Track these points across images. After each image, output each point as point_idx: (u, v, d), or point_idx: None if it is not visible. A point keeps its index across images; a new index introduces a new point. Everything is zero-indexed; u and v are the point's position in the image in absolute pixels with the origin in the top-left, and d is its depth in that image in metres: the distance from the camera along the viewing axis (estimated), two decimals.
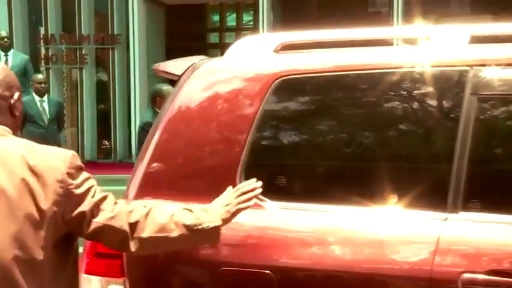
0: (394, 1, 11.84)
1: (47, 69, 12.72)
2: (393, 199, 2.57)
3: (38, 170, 2.24)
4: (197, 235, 2.41)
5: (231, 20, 14.52)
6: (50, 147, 2.51)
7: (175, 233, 2.39)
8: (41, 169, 2.24)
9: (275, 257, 2.56)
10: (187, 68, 2.89)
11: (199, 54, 3.01)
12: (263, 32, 11.47)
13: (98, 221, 2.30)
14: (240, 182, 2.66)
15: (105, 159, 13.28)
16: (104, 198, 2.36)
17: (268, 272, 2.54)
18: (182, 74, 2.89)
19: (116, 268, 2.65)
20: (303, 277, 2.57)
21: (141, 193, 2.75)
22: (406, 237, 2.52)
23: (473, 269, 2.39)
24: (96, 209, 2.31)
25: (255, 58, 2.89)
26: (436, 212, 2.51)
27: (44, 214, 2.19)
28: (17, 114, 2.44)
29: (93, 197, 2.32)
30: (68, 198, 2.25)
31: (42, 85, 9.64)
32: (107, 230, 2.32)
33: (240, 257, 2.59)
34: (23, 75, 10.34)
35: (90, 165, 11.29)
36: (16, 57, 10.48)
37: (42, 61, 12.92)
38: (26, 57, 10.91)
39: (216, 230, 2.41)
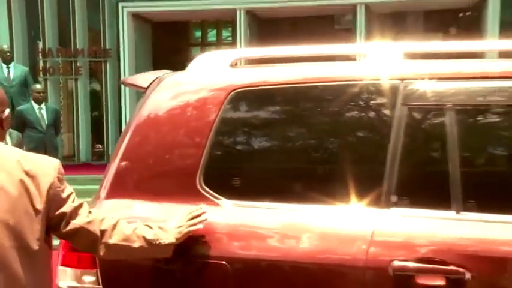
0: (357, 20, 11.93)
1: (45, 79, 12.67)
2: (334, 197, 2.62)
3: (32, 174, 2.39)
4: (154, 248, 2.56)
5: (211, 35, 14.50)
6: (39, 155, 2.67)
7: (136, 244, 2.54)
8: (35, 173, 2.40)
9: (230, 249, 2.60)
10: (153, 81, 2.92)
11: (183, 66, 3.03)
12: (240, 46, 11.50)
13: (76, 223, 2.44)
14: (200, 182, 2.69)
15: (99, 161, 13.22)
16: (81, 205, 2.51)
17: (224, 262, 2.56)
18: (148, 86, 2.91)
19: (89, 260, 2.65)
20: (254, 267, 2.59)
21: (112, 193, 2.77)
22: (344, 231, 2.57)
23: (403, 258, 2.45)
24: (74, 212, 2.45)
25: (213, 72, 2.92)
26: (371, 208, 2.56)
27: (38, 211, 2.35)
28: (6, 127, 2.58)
29: (73, 202, 2.47)
30: (55, 198, 2.41)
31: (41, 94, 9.62)
32: (81, 232, 2.46)
33: (200, 250, 2.61)
34: (24, 85, 10.49)
35: (85, 167, 11.35)
36: (17, 69, 10.51)
37: (41, 72, 12.88)
38: (26, 69, 10.94)
39: (169, 246, 2.57)
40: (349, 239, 2.53)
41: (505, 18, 11.15)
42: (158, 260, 2.65)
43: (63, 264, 2.73)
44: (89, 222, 2.47)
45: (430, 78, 2.69)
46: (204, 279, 2.61)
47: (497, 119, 2.78)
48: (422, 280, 2.43)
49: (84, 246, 2.58)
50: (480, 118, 2.76)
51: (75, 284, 2.71)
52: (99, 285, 2.66)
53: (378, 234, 2.51)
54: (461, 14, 12.82)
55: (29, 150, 9.96)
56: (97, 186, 2.86)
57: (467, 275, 2.40)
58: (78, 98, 13.14)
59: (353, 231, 2.55)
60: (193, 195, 2.67)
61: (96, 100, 13.34)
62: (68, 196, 2.50)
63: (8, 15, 12.60)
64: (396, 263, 2.44)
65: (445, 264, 2.42)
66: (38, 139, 9.27)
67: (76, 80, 13.15)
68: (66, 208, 2.43)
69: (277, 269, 2.58)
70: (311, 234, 2.57)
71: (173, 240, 2.55)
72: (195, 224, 2.59)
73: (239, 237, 2.63)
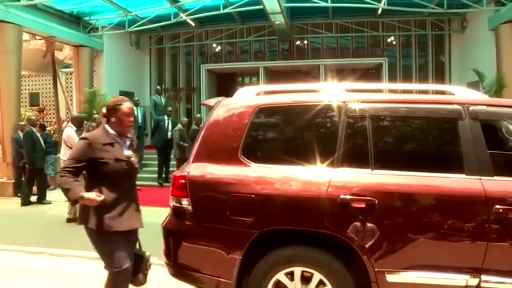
0: (320, 72, 11.69)
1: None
2: (310, 162, 2.54)
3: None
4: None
5: (246, 80, 14.33)
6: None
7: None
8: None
9: (256, 189, 2.53)
10: (216, 102, 2.85)
11: (232, 95, 2.89)
12: (262, 85, 11.29)
13: None
14: (240, 155, 2.62)
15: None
16: None
17: (252, 196, 2.52)
18: (214, 105, 2.83)
19: (185, 192, 2.60)
20: (267, 198, 2.50)
21: (195, 160, 2.74)
22: (315, 179, 2.51)
23: (344, 193, 2.42)
24: None
25: (247, 97, 2.84)
26: (329, 168, 2.52)
27: None
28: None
29: None
30: None
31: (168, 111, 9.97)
32: None
33: (240, 189, 2.55)
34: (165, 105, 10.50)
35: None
36: (164, 98, 10.86)
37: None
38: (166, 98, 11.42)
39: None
40: (318, 184, 2.50)
41: (391, 74, 11.57)
42: (220, 194, 2.54)
43: (172, 195, 2.69)
44: None
45: (357, 101, 2.63)
46: (242, 205, 2.54)
47: (392, 123, 2.70)
48: (354, 204, 2.41)
49: None
50: (383, 122, 2.67)
51: (178, 204, 2.66)
52: (189, 205, 2.61)
53: (332, 181, 2.48)
54: (370, 71, 12.59)
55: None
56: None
57: (376, 201, 2.39)
58: (180, 111, 13.10)
59: (320, 180, 2.51)
60: (237, 161, 2.61)
61: (188, 111, 13.32)
62: None
63: (149, 73, 12.81)
64: (342, 196, 2.43)
65: (365, 196, 2.41)
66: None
67: (180, 102, 13.13)
68: None
69: (279, 199, 2.51)
70: (297, 181, 2.53)
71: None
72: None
73: (260, 183, 2.56)
